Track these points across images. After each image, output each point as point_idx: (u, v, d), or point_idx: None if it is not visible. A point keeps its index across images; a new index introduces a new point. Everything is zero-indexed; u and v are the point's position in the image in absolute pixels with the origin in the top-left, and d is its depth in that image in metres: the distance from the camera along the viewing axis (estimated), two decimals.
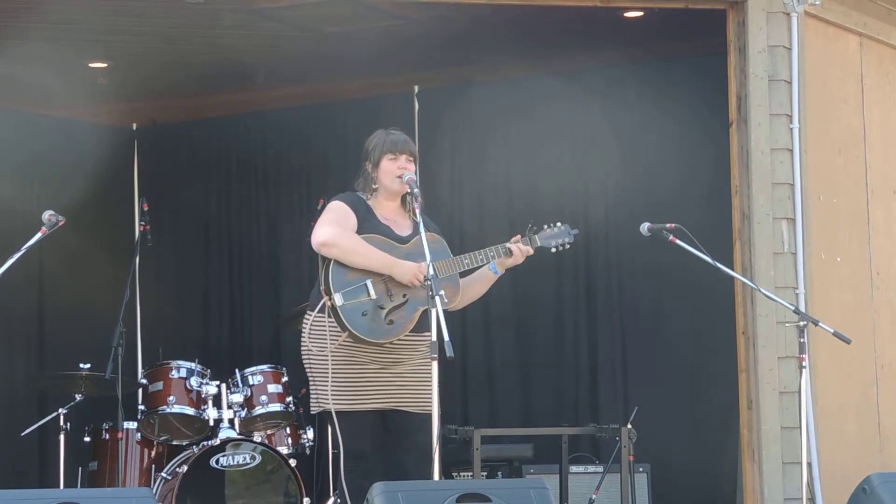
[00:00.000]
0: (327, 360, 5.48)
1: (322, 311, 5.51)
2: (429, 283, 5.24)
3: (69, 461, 7.14)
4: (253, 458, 7.01)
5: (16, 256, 5.52)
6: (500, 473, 7.68)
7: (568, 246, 5.76)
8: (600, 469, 7.47)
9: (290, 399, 7.44)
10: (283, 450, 7.30)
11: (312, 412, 5.63)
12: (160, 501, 6.87)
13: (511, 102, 8.80)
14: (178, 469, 6.97)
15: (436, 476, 5.12)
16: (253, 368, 7.46)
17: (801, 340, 5.88)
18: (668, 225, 5.97)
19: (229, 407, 7.27)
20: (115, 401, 6.99)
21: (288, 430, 7.54)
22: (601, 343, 8.67)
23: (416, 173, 5.65)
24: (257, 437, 7.25)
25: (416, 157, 5.67)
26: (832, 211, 7.26)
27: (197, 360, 7.45)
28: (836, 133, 7.35)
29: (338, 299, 5.43)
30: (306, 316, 5.59)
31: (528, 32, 7.94)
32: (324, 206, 5.72)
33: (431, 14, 7.57)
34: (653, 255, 7.92)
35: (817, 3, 7.01)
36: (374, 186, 5.64)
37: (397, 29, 7.81)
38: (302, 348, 5.58)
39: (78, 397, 7.17)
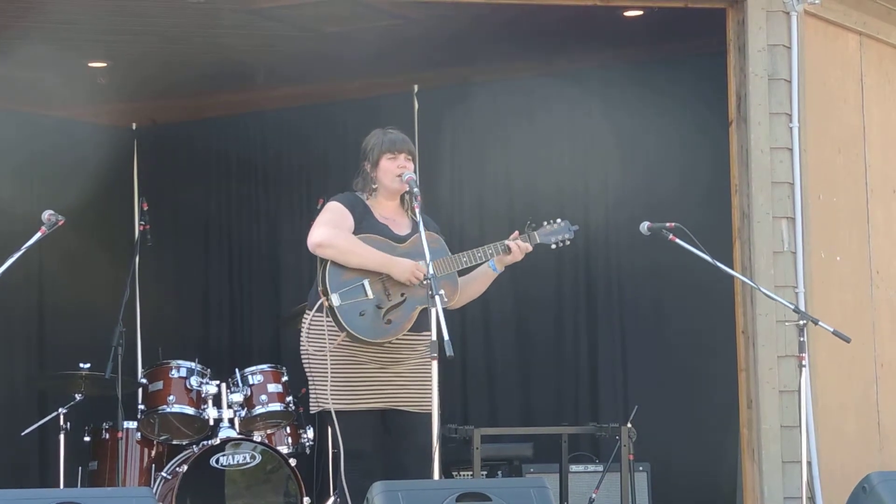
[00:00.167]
0: (326, 360, 5.48)
1: (320, 310, 5.52)
2: (428, 282, 5.24)
3: (69, 461, 7.14)
4: (253, 457, 7.01)
5: (15, 256, 5.52)
6: (500, 473, 7.68)
7: (568, 242, 5.75)
8: (600, 468, 7.47)
9: (290, 398, 7.44)
10: (283, 449, 7.31)
11: (312, 412, 5.63)
12: (160, 501, 6.87)
13: (510, 102, 8.80)
14: (178, 468, 6.98)
15: (436, 475, 5.12)
16: (253, 368, 7.47)
17: (801, 339, 5.88)
18: (667, 224, 5.97)
19: (229, 406, 7.27)
20: (115, 400, 6.99)
21: (288, 429, 7.54)
22: (601, 342, 8.67)
23: (415, 172, 5.65)
24: (257, 437, 7.25)
25: (414, 155, 5.67)
26: (832, 210, 7.26)
27: (197, 360, 7.45)
28: (835, 132, 7.35)
29: (335, 300, 5.43)
30: (305, 315, 5.59)
31: (527, 32, 7.94)
32: (323, 206, 5.72)
33: (431, 14, 7.57)
34: (653, 255, 7.93)
35: (817, 1, 7.01)
36: (373, 186, 5.64)
37: (397, 29, 7.81)
38: (301, 348, 5.58)
39: (78, 397, 7.17)
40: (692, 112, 8.10)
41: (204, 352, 8.55)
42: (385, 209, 5.65)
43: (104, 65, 8.50)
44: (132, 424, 7.34)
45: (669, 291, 8.32)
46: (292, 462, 7.07)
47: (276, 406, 7.38)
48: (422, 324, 5.42)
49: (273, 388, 7.41)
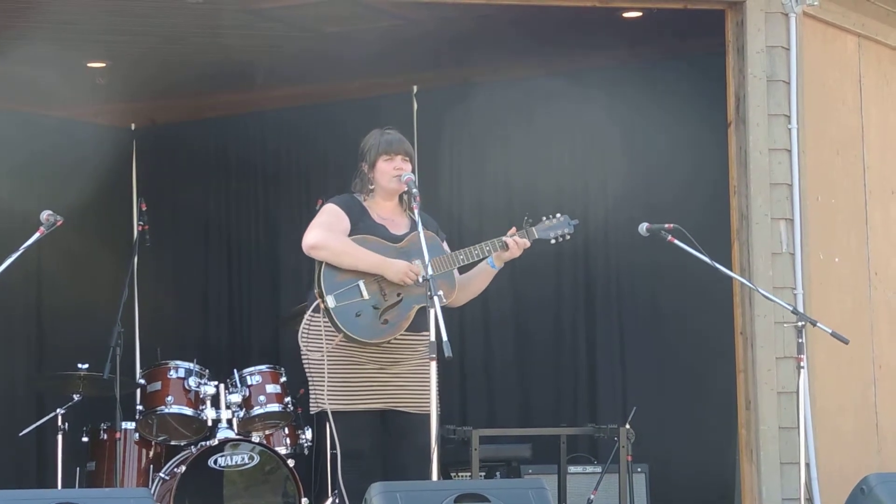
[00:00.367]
0: (324, 361, 5.49)
1: (317, 311, 5.52)
2: (426, 282, 5.24)
3: (67, 461, 7.14)
4: (251, 458, 7.01)
5: (14, 256, 5.52)
6: (498, 474, 7.67)
7: (568, 237, 5.73)
8: (599, 469, 7.47)
9: (288, 399, 7.44)
10: (282, 450, 7.30)
11: (312, 412, 5.64)
12: (158, 502, 6.87)
13: (510, 103, 8.80)
14: (176, 469, 6.97)
15: (434, 476, 5.12)
16: (251, 369, 7.46)
17: (800, 341, 5.88)
18: (666, 225, 5.97)
19: (227, 407, 7.27)
20: (114, 401, 6.98)
21: (286, 430, 7.54)
22: (600, 343, 8.67)
23: (413, 172, 5.65)
24: (255, 438, 7.25)
25: (411, 156, 5.67)
26: (830, 211, 7.26)
27: (195, 361, 7.45)
28: (834, 133, 7.35)
29: (330, 301, 5.44)
30: (305, 316, 5.61)
31: (526, 33, 7.94)
32: (321, 207, 5.73)
33: (430, 14, 7.57)
34: (652, 255, 7.93)
35: (815, 3, 7.02)
36: (370, 187, 5.65)
37: (396, 29, 7.81)
38: (301, 349, 5.58)
39: (76, 397, 7.16)
40: (691, 113, 8.10)
41: (202, 352, 8.54)
42: (383, 209, 5.66)
43: (103, 65, 8.50)
44: (130, 425, 7.34)
45: (668, 292, 8.33)
46: (290, 463, 7.07)
47: (275, 407, 7.38)
48: (420, 324, 5.43)
49: (271, 388, 7.41)
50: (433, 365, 5.18)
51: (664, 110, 8.29)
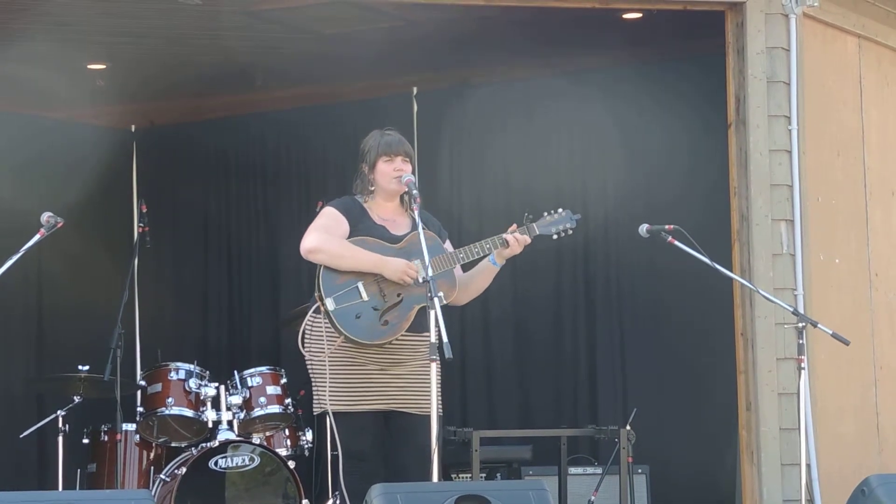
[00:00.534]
0: (326, 362, 5.49)
1: (319, 312, 5.53)
2: (427, 282, 5.24)
3: (68, 463, 7.14)
4: (252, 459, 7.00)
5: (14, 258, 5.52)
6: (498, 475, 7.67)
7: (571, 231, 5.71)
8: (599, 470, 7.47)
9: (288, 401, 7.44)
10: (282, 451, 7.30)
11: (315, 413, 5.64)
12: (159, 503, 6.87)
13: (510, 104, 8.80)
14: (176, 471, 6.97)
15: (435, 477, 5.12)
16: (252, 370, 7.46)
17: (800, 342, 5.88)
18: (666, 226, 5.97)
19: (228, 409, 7.27)
20: (114, 402, 6.98)
21: (287, 431, 7.54)
22: (600, 344, 8.67)
23: (414, 172, 5.66)
24: (256, 439, 7.25)
25: (412, 156, 5.67)
26: (831, 212, 7.26)
27: (196, 362, 7.45)
28: (834, 134, 7.35)
29: (329, 304, 5.45)
30: (307, 318, 5.62)
31: (526, 34, 7.94)
32: (321, 208, 5.73)
33: (430, 16, 7.57)
34: (652, 256, 7.93)
35: (815, 4, 7.02)
36: (371, 188, 5.65)
37: (396, 30, 7.81)
38: (304, 350, 5.59)
39: (76, 399, 7.16)
40: (691, 114, 8.11)
41: (203, 354, 8.55)
42: (384, 210, 5.66)
43: (103, 66, 8.50)
44: (131, 426, 7.34)
45: (669, 293, 8.32)
46: (291, 464, 7.07)
47: (275, 408, 7.37)
48: (421, 324, 5.42)
49: (272, 390, 7.41)
50: (433, 366, 5.18)
51: (664, 111, 8.29)
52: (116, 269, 8.46)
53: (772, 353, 6.86)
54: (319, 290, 5.47)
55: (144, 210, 7.52)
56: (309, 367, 5.58)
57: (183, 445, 7.35)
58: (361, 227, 5.58)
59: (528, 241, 5.60)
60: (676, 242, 5.94)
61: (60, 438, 7.08)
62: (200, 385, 7.30)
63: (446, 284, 5.52)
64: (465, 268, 5.68)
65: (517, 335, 8.87)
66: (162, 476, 7.09)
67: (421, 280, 5.40)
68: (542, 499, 4.87)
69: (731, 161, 7.06)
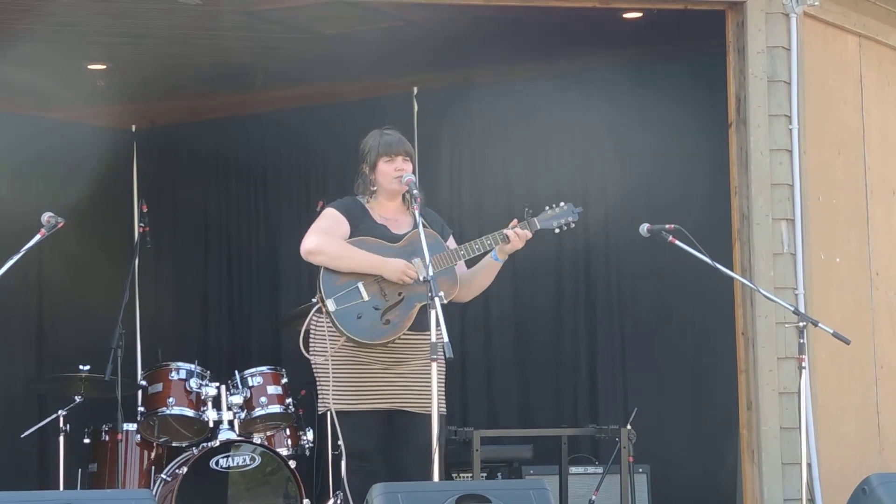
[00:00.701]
0: (329, 362, 5.50)
1: (321, 312, 5.54)
2: (427, 282, 5.24)
3: (69, 463, 7.14)
4: (252, 459, 7.01)
5: (15, 258, 5.52)
6: (499, 474, 7.68)
7: (573, 225, 5.69)
8: (600, 470, 7.47)
9: (289, 400, 7.44)
10: (283, 451, 7.30)
11: (319, 412, 5.65)
12: (160, 503, 6.87)
13: (510, 103, 8.80)
14: (177, 470, 6.98)
15: (435, 477, 5.12)
16: (252, 370, 7.47)
17: (801, 341, 5.88)
18: (667, 226, 5.97)
19: (229, 408, 7.27)
20: (115, 402, 6.99)
21: (287, 431, 7.54)
22: (601, 344, 8.67)
23: (414, 171, 5.66)
24: (257, 439, 7.25)
25: (412, 155, 5.67)
26: (831, 211, 7.26)
27: (196, 362, 7.45)
28: (835, 134, 7.35)
29: (330, 305, 5.46)
30: (309, 317, 5.63)
31: (526, 34, 7.94)
32: (322, 208, 5.74)
33: (430, 15, 7.57)
34: (653, 256, 7.92)
35: (816, 3, 7.02)
36: (372, 188, 5.66)
37: (396, 30, 7.81)
38: (308, 353, 5.60)
39: (77, 399, 7.17)
40: (691, 113, 8.10)
41: (203, 354, 8.55)
42: (385, 210, 5.67)
43: (103, 67, 8.50)
44: (132, 426, 7.34)
45: (669, 292, 8.32)
46: (292, 464, 7.07)
47: (276, 408, 7.38)
48: (423, 322, 5.42)
49: (272, 389, 7.41)
50: (434, 366, 5.18)
51: (665, 110, 8.29)
52: (117, 269, 8.45)
53: (772, 352, 6.86)
54: (320, 292, 5.48)
55: (145, 210, 7.53)
56: (313, 366, 5.59)
57: (184, 445, 7.35)
58: (362, 227, 5.59)
59: (529, 235, 5.59)
60: (677, 242, 5.94)
61: (61, 438, 7.09)
62: (201, 385, 7.31)
63: (447, 282, 5.52)
64: (469, 264, 5.67)
65: (518, 334, 8.87)
66: (163, 476, 7.09)
67: (421, 279, 5.40)
68: (543, 498, 4.87)
69: (731, 160, 7.06)
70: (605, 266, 8.69)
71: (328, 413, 5.56)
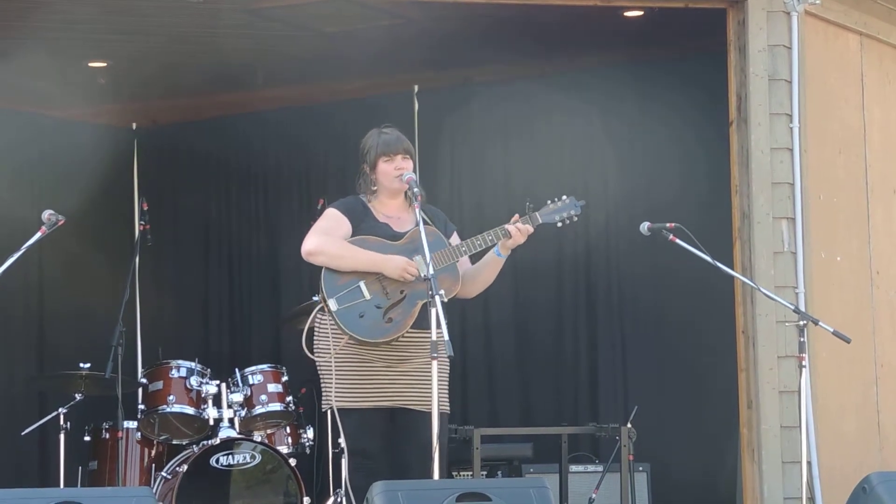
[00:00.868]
0: (332, 361, 5.50)
1: (324, 310, 5.56)
2: (428, 280, 5.24)
3: (69, 460, 7.14)
4: (253, 457, 7.01)
5: (15, 256, 5.52)
6: (499, 473, 7.68)
7: (576, 218, 5.69)
8: (600, 468, 7.47)
9: (290, 398, 7.44)
10: (283, 449, 7.30)
11: (323, 410, 5.66)
12: (160, 501, 6.87)
13: (511, 102, 8.80)
14: (178, 468, 6.98)
15: (436, 475, 5.12)
16: (253, 368, 7.47)
17: (801, 340, 5.88)
18: (667, 224, 5.96)
19: (229, 406, 7.27)
20: (115, 400, 6.98)
21: (288, 429, 7.54)
22: (601, 342, 8.67)
23: (415, 167, 5.66)
24: (257, 437, 7.25)
25: (411, 152, 5.67)
26: (832, 210, 7.26)
27: (197, 360, 7.45)
28: (836, 132, 7.35)
29: (332, 304, 5.47)
30: (312, 316, 5.64)
31: (527, 32, 7.94)
32: (324, 206, 5.76)
33: (431, 14, 7.57)
34: (653, 255, 7.93)
35: (817, 2, 7.01)
36: (373, 188, 5.67)
37: (397, 28, 7.81)
38: (312, 354, 5.61)
39: (78, 397, 7.16)
40: (692, 112, 8.10)
41: (204, 352, 8.55)
42: (388, 208, 5.67)
43: (104, 65, 8.50)
44: (132, 424, 7.34)
45: (669, 290, 8.32)
46: (292, 462, 7.07)
47: (276, 406, 7.37)
48: (426, 320, 5.40)
49: (273, 387, 7.41)
50: (435, 364, 5.18)
51: (665, 109, 8.28)
52: (117, 266, 8.45)
53: (773, 350, 6.86)
54: (322, 292, 5.49)
55: (145, 208, 7.53)
56: (317, 365, 5.60)
57: (184, 443, 7.35)
58: (364, 226, 5.60)
59: (531, 229, 5.59)
60: (678, 240, 5.93)
61: (62, 436, 7.08)
62: (202, 383, 7.31)
63: (449, 279, 5.52)
64: (473, 260, 5.67)
65: (518, 333, 8.87)
66: (163, 474, 7.09)
67: (422, 276, 5.40)
68: (543, 496, 4.87)
69: (732, 159, 7.06)
70: (605, 264, 8.69)
71: (330, 411, 5.57)
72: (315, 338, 5.61)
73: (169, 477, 7.01)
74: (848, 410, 7.22)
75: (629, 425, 6.67)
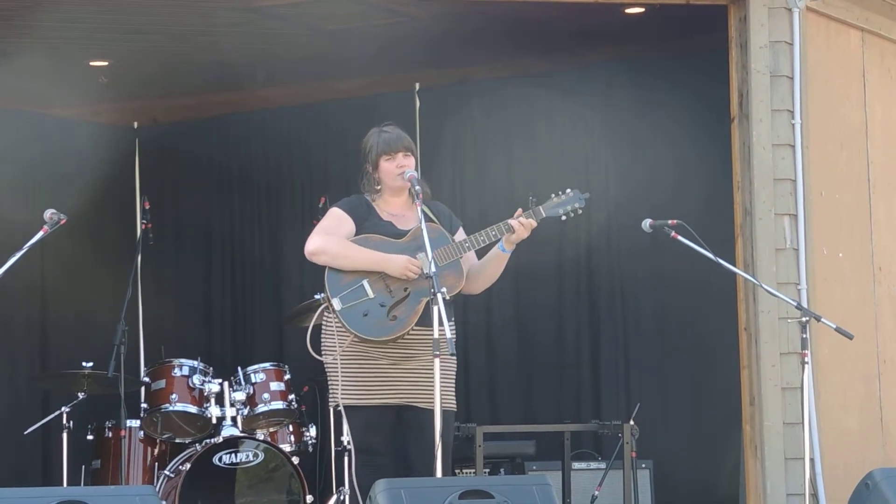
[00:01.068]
0: (338, 358, 5.51)
1: (329, 310, 5.57)
2: (430, 278, 5.24)
3: (72, 459, 7.14)
4: (255, 455, 7.01)
5: (18, 255, 5.52)
6: (502, 470, 7.68)
7: (580, 211, 5.69)
8: (603, 465, 7.47)
9: (292, 397, 7.44)
10: (286, 447, 7.30)
11: (330, 407, 5.67)
12: (163, 499, 6.88)
13: (512, 99, 8.79)
14: (180, 467, 6.98)
15: (439, 473, 5.12)
16: (255, 366, 7.47)
17: (804, 336, 5.87)
18: (669, 221, 5.96)
19: (232, 405, 7.27)
20: (118, 399, 6.99)
21: (290, 427, 7.54)
22: (603, 340, 8.67)
23: (417, 164, 5.66)
24: (260, 435, 7.25)
25: (412, 149, 5.67)
26: (834, 207, 7.25)
27: (199, 358, 7.45)
28: (837, 129, 7.35)
29: (336, 304, 5.47)
30: (316, 314, 5.66)
31: (528, 29, 7.94)
32: (325, 204, 5.76)
33: (431, 11, 7.57)
34: (655, 253, 7.93)
35: None
36: (377, 187, 5.67)
37: (397, 26, 7.81)
38: (318, 354, 5.62)
39: (80, 396, 7.17)
40: (694, 109, 8.10)
41: (206, 350, 8.55)
42: (392, 206, 5.68)
43: (105, 63, 8.50)
44: (135, 423, 7.34)
45: (671, 288, 8.32)
46: (295, 460, 7.07)
47: (279, 404, 7.37)
48: (431, 317, 5.42)
49: (275, 386, 7.41)
50: (437, 362, 5.18)
51: (667, 106, 8.28)
52: (119, 265, 8.46)
53: (775, 347, 6.85)
54: (326, 291, 5.50)
55: (147, 207, 7.53)
56: (325, 364, 5.61)
57: (187, 442, 7.35)
58: (368, 224, 5.60)
59: (534, 224, 5.59)
60: (679, 237, 5.93)
61: (65, 435, 7.09)
62: (204, 381, 7.31)
63: (452, 276, 5.52)
64: (478, 255, 5.67)
65: (520, 330, 8.87)
66: (166, 472, 7.09)
67: (425, 274, 5.40)
68: (546, 494, 4.87)
69: (734, 155, 7.06)
70: (607, 262, 8.68)
71: (335, 409, 5.58)
72: (322, 336, 5.61)
73: (172, 475, 7.02)
74: (850, 407, 7.22)
75: (632, 422, 6.67)
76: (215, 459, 6.95)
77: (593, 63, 8.59)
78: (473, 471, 6.77)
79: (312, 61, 8.53)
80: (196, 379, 7.31)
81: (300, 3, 7.36)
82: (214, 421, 7.25)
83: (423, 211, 5.47)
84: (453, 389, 5.55)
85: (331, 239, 5.54)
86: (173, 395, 7.27)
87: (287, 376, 7.48)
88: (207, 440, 7.09)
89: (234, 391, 7.30)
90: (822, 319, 5.93)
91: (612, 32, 8.03)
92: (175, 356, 7.48)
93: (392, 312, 5.49)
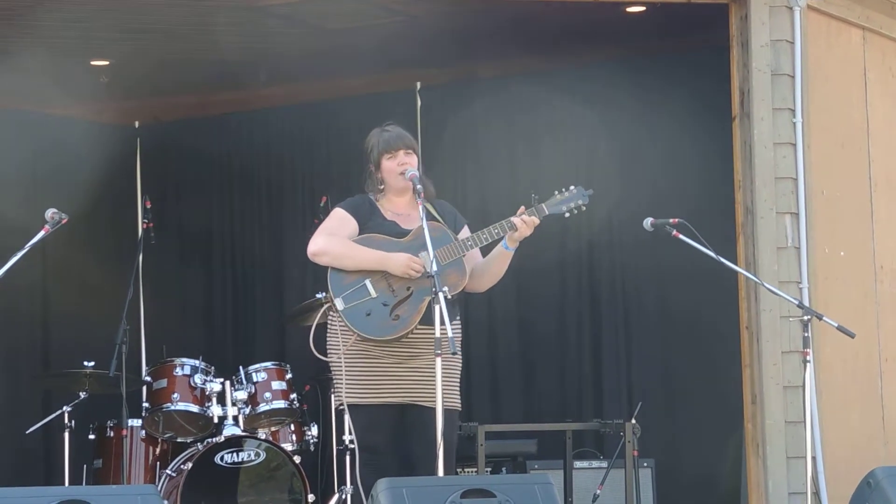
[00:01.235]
0: (342, 358, 5.51)
1: (332, 309, 5.58)
2: (431, 277, 5.24)
3: (74, 459, 7.16)
4: (257, 454, 7.01)
5: (19, 255, 5.52)
6: (504, 469, 7.68)
7: (584, 208, 5.69)
8: (604, 464, 7.47)
9: (294, 396, 7.44)
10: (288, 446, 7.31)
11: (335, 405, 5.67)
12: (165, 498, 6.88)
13: (513, 98, 8.79)
14: (182, 466, 6.99)
15: (440, 471, 5.12)
16: (257, 365, 7.48)
17: (805, 335, 5.87)
18: (671, 220, 5.96)
19: (233, 404, 7.28)
20: (120, 398, 7.00)
21: (292, 426, 7.55)
22: (605, 338, 8.67)
23: (419, 162, 5.66)
24: (261, 434, 7.26)
25: (414, 147, 5.67)
26: (835, 205, 7.25)
27: (201, 358, 7.46)
28: (838, 127, 7.35)
29: (339, 304, 5.48)
30: (319, 313, 5.67)
31: (529, 28, 7.94)
32: (326, 204, 5.77)
33: (433, 10, 7.57)
34: (656, 251, 7.92)
35: None
36: (380, 186, 5.68)
37: (399, 25, 7.81)
38: (321, 354, 5.63)
39: (82, 395, 7.18)
40: (695, 108, 8.10)
41: (208, 349, 8.55)
42: (395, 205, 5.68)
43: (106, 63, 8.50)
44: (137, 422, 7.35)
45: (673, 286, 8.32)
46: (297, 459, 7.07)
47: (281, 403, 7.38)
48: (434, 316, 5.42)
49: (277, 385, 7.42)
50: (438, 361, 5.19)
51: (668, 105, 8.28)
52: (121, 265, 8.46)
53: (777, 346, 6.85)
54: (329, 291, 5.50)
55: (149, 206, 7.53)
56: (329, 362, 5.62)
57: (188, 441, 7.36)
58: (371, 224, 5.61)
59: (537, 221, 5.58)
60: (681, 236, 5.93)
61: (66, 434, 7.10)
62: (206, 380, 7.31)
63: (455, 275, 5.52)
64: (483, 253, 5.67)
65: (521, 329, 8.87)
66: (168, 471, 7.10)
67: (427, 273, 5.40)
68: (548, 493, 4.87)
69: (735, 154, 7.06)
70: (609, 260, 8.68)
71: (340, 408, 5.59)
72: (327, 335, 5.62)
73: (173, 475, 7.02)
74: (852, 405, 7.22)
75: (633, 421, 6.67)
76: (217, 459, 6.95)
77: (594, 62, 8.59)
78: (475, 470, 6.77)
79: (313, 60, 8.53)
80: (198, 378, 7.31)
81: (300, 1, 7.36)
82: (216, 420, 7.26)
83: (425, 209, 5.47)
84: (458, 388, 5.55)
85: (333, 240, 5.55)
86: (175, 395, 7.28)
87: (288, 375, 7.49)
88: (209, 439, 7.09)
89: (235, 390, 7.30)
90: (824, 318, 5.93)
91: (613, 31, 8.03)
92: (176, 355, 7.48)
93: (395, 312, 5.49)
